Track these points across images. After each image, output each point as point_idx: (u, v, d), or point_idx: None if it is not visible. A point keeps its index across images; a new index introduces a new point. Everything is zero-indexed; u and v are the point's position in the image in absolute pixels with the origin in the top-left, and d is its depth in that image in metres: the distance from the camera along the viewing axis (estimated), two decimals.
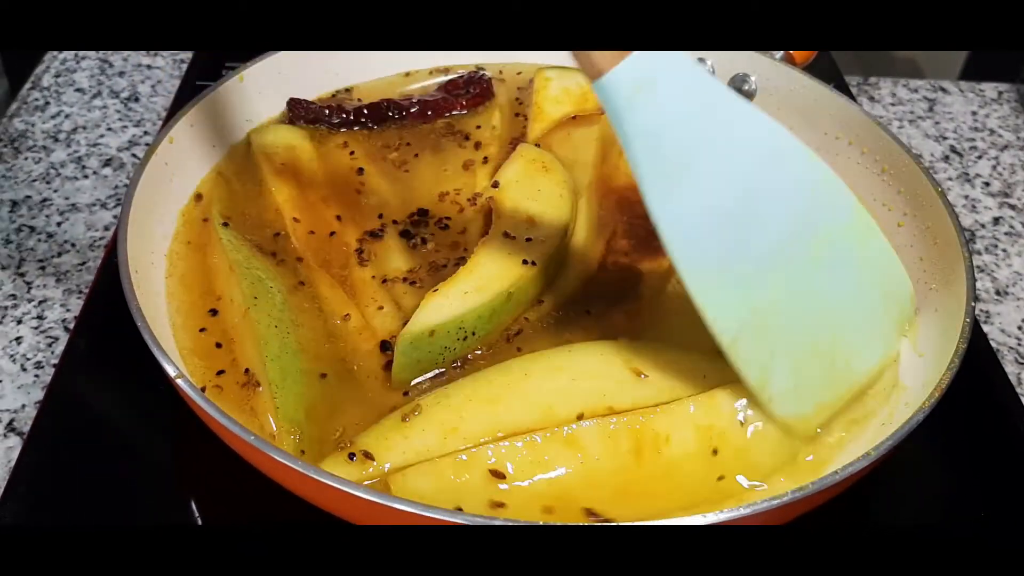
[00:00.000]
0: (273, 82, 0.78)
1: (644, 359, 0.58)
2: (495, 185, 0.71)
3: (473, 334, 0.60)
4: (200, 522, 0.58)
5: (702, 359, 0.57)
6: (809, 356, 0.54)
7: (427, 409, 0.55)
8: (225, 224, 0.68)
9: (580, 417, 0.55)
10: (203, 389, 0.57)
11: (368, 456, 0.53)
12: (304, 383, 0.58)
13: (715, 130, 0.50)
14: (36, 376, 0.68)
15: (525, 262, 0.63)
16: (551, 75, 0.85)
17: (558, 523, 0.48)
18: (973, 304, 0.58)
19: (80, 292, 0.75)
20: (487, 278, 0.62)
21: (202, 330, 0.62)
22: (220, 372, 0.59)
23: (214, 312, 0.63)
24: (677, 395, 0.56)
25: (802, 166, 0.53)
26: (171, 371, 0.50)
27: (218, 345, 0.61)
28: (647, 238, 0.69)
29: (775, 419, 0.55)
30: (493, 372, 0.58)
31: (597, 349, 0.59)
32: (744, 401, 0.55)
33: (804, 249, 0.53)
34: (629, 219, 0.71)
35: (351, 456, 0.53)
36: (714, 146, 0.50)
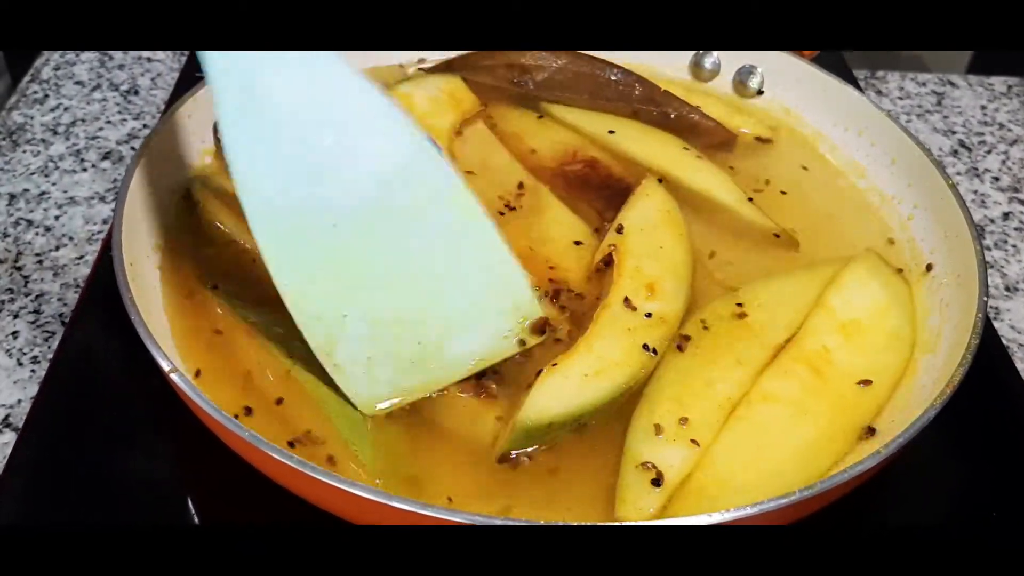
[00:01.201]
0: None
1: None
2: (620, 230, 0.66)
3: (585, 425, 0.56)
4: (197, 519, 0.57)
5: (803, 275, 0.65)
6: (390, 327, 0.53)
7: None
8: (215, 287, 0.62)
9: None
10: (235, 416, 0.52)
11: None
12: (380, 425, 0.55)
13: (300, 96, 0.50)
14: (32, 371, 0.67)
15: (646, 348, 0.59)
16: (407, 89, 0.79)
17: (559, 523, 0.47)
18: (985, 299, 0.57)
19: (77, 286, 0.74)
20: (608, 363, 0.57)
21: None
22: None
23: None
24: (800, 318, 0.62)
25: (393, 136, 0.52)
26: (165, 365, 0.49)
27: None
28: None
29: (343, 390, 0.54)
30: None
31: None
32: (854, 279, 0.64)
33: (388, 216, 0.52)
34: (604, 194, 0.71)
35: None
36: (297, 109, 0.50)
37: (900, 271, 0.68)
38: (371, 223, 0.52)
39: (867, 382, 0.58)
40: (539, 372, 0.56)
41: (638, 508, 0.51)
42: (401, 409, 0.56)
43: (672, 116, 0.79)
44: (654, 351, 0.59)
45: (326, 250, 0.52)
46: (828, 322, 0.61)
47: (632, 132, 0.79)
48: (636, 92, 0.80)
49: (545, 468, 0.54)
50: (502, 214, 0.70)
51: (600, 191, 0.73)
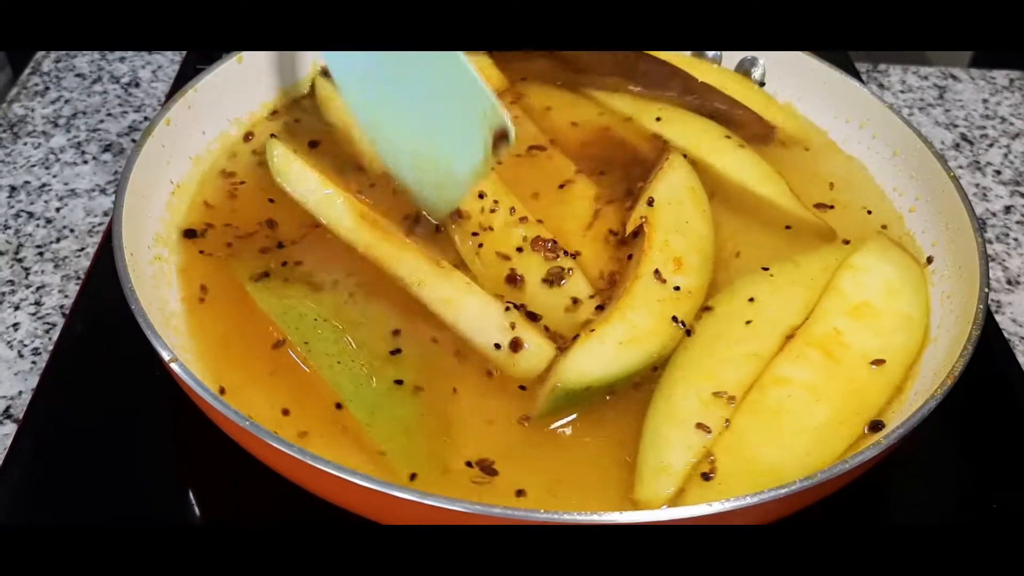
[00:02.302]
0: (272, 63, 0.77)
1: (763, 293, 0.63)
2: (650, 203, 0.67)
3: (613, 393, 0.58)
4: (198, 513, 0.57)
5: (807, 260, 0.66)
6: (421, 161, 0.65)
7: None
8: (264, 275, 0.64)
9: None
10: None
11: None
12: (395, 403, 0.56)
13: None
14: (33, 363, 0.67)
15: (675, 320, 0.60)
16: None
17: (553, 521, 0.46)
18: (987, 291, 0.57)
19: (78, 278, 0.74)
20: (642, 331, 0.58)
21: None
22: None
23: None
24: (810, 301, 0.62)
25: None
26: (165, 355, 0.49)
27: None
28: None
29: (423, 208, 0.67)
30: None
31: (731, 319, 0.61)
32: (865, 262, 0.64)
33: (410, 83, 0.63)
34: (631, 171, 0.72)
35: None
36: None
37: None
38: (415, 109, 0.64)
39: (880, 362, 0.58)
40: (575, 337, 0.57)
41: (656, 491, 0.52)
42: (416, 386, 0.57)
43: (711, 107, 0.79)
44: (683, 323, 0.60)
45: (393, 122, 0.66)
46: (839, 304, 0.62)
47: (673, 115, 0.78)
48: (674, 82, 0.80)
49: (560, 442, 0.55)
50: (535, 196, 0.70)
51: (626, 169, 0.73)
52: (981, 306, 0.56)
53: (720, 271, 0.66)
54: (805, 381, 0.57)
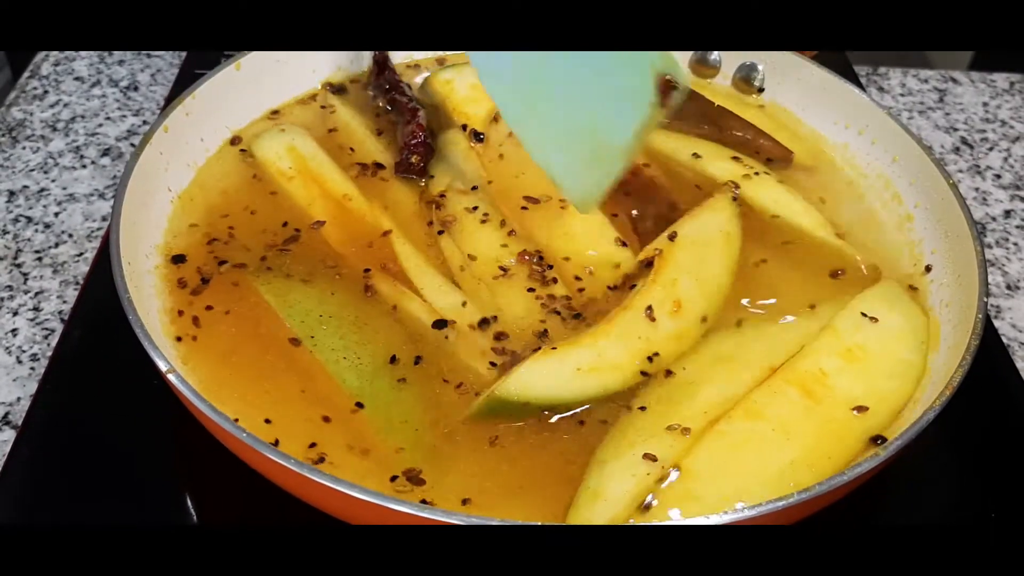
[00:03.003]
0: (271, 69, 0.77)
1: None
2: (672, 238, 0.65)
3: (555, 411, 0.57)
4: (195, 518, 0.57)
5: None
6: (575, 137, 0.60)
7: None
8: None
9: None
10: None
11: None
12: (391, 398, 0.56)
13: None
14: (32, 369, 0.67)
15: (649, 360, 0.58)
16: (449, 76, 0.80)
17: (561, 524, 0.47)
18: (986, 300, 0.57)
19: (77, 283, 0.74)
20: (607, 363, 0.57)
21: None
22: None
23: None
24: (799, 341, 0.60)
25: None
26: (162, 366, 0.49)
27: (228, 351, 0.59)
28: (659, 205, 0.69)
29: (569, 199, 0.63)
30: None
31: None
32: (868, 305, 0.62)
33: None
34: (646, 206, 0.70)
35: None
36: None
37: (916, 288, 0.66)
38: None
39: (863, 408, 0.56)
40: (536, 350, 0.57)
41: (589, 518, 0.51)
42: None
43: (730, 135, 0.77)
44: (651, 366, 0.58)
45: (545, 100, 0.61)
46: (832, 344, 0.59)
47: (707, 150, 0.76)
48: (690, 109, 0.77)
49: (512, 451, 0.55)
50: (525, 208, 0.70)
51: (642, 202, 0.71)
52: (980, 315, 0.56)
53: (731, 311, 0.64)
54: (777, 418, 0.55)
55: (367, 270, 0.64)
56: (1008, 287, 0.80)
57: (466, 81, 0.79)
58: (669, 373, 0.58)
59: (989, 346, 0.70)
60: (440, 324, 0.60)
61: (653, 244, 0.65)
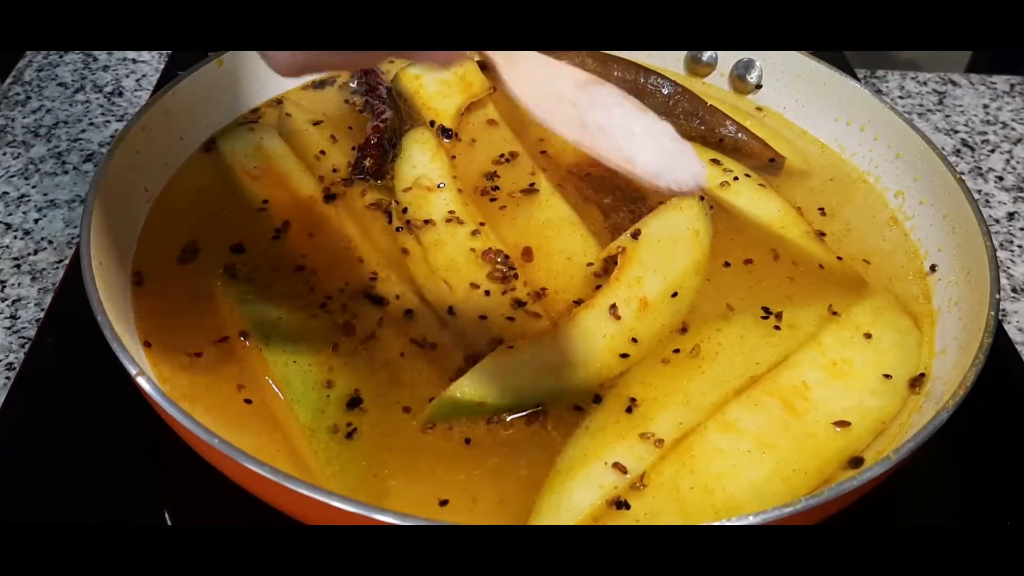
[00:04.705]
0: (253, 67, 0.75)
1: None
2: (635, 235, 0.63)
3: (512, 411, 0.55)
4: (168, 521, 0.55)
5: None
6: None
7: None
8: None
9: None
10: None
11: None
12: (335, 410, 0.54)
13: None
14: (8, 378, 0.65)
15: (621, 358, 0.56)
16: (417, 71, 0.78)
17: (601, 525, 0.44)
18: (998, 296, 0.55)
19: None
20: (567, 362, 0.55)
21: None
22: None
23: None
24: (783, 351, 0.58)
25: None
26: (132, 369, 0.47)
27: (197, 355, 0.57)
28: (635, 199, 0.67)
29: None
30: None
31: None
32: (857, 319, 0.59)
33: None
34: (608, 199, 0.68)
35: None
36: None
37: (920, 290, 0.65)
38: None
39: (844, 424, 0.54)
40: (499, 342, 0.55)
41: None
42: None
43: (720, 136, 0.75)
44: (616, 367, 0.56)
45: None
46: (816, 358, 0.57)
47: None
48: (681, 106, 0.76)
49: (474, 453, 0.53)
50: (493, 200, 0.68)
51: (615, 193, 0.70)
52: (992, 312, 0.54)
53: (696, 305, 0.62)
54: (754, 430, 0.53)
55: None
56: (1014, 290, 0.78)
57: (435, 76, 0.78)
58: (638, 379, 0.56)
59: (998, 347, 0.68)
60: (377, 300, 0.59)
61: (616, 242, 0.63)
